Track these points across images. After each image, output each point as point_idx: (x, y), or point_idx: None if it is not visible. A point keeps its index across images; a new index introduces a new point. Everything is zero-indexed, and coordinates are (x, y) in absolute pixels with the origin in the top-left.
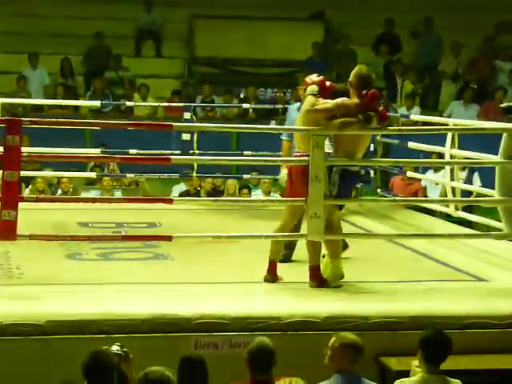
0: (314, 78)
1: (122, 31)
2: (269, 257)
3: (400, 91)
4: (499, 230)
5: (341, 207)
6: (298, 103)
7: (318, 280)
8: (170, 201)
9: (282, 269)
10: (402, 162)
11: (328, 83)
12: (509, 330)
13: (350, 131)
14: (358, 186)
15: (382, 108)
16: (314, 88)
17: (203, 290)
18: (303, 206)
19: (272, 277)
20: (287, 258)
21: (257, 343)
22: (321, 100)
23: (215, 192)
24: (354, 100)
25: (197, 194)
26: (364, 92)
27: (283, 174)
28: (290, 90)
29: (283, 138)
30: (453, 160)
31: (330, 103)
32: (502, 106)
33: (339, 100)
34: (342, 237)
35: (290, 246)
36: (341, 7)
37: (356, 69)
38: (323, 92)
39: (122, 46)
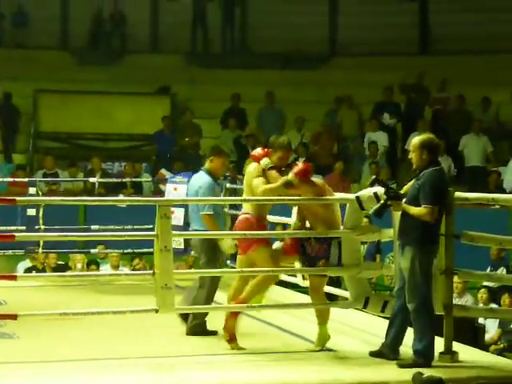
0: (259, 151)
1: None
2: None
3: None
4: (346, 298)
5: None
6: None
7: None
8: (14, 277)
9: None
10: (249, 234)
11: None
12: None
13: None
14: None
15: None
16: (267, 161)
17: (51, 368)
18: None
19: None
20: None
21: None
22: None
23: (61, 268)
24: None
25: (43, 270)
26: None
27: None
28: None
29: (206, 212)
30: (298, 231)
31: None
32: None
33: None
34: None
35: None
36: (186, 82)
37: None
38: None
39: None
